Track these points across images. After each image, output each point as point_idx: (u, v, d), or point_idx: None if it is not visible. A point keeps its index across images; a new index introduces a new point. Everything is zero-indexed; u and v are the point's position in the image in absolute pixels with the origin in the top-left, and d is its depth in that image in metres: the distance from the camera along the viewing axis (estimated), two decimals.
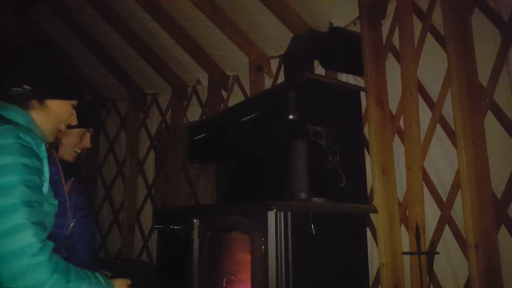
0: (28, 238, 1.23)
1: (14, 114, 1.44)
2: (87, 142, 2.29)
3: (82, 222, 2.26)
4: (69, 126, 2.18)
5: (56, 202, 1.51)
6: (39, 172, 1.38)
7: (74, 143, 2.21)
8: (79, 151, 2.26)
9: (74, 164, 2.26)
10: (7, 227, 1.23)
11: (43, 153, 1.42)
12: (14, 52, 1.62)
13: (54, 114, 1.55)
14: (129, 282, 1.78)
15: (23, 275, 1.22)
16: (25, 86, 1.48)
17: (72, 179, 2.24)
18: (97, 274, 1.46)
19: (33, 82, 1.50)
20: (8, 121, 1.38)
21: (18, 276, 1.21)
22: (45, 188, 1.43)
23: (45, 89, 1.54)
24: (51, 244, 1.31)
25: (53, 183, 2.00)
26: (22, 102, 1.48)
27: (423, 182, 2.50)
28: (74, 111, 1.65)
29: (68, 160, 2.20)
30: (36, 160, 1.36)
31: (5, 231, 1.23)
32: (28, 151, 1.34)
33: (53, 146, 1.91)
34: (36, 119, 1.49)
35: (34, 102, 1.50)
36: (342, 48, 2.80)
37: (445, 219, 2.41)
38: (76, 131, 2.19)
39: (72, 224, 2.13)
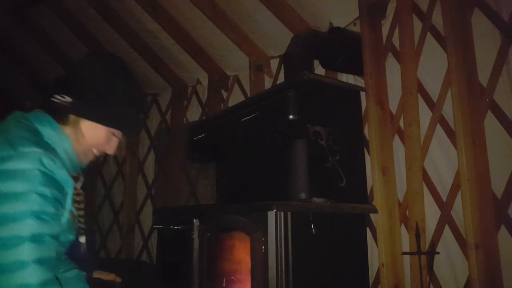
0: (26, 278, 1.12)
1: (51, 130, 1.32)
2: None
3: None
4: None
5: (73, 237, 1.37)
6: (58, 203, 1.24)
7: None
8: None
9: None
10: (7, 262, 1.12)
11: (69, 183, 1.28)
12: (80, 62, 1.47)
13: (87, 136, 1.40)
14: (119, 279, 1.80)
15: None
16: (67, 97, 1.35)
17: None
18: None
19: (75, 95, 1.36)
20: (39, 138, 1.26)
21: None
22: (64, 219, 1.30)
23: (84, 106, 1.37)
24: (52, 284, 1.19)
25: None
26: (60, 114, 1.36)
27: (423, 182, 2.50)
28: (114, 140, 1.47)
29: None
30: (57, 190, 1.22)
31: (5, 265, 1.12)
32: (48, 179, 1.20)
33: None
34: (68, 135, 1.36)
35: (71, 117, 1.37)
36: (342, 48, 2.80)
37: (445, 219, 2.41)
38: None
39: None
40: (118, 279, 1.81)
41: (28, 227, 1.13)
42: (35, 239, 1.14)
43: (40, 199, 1.16)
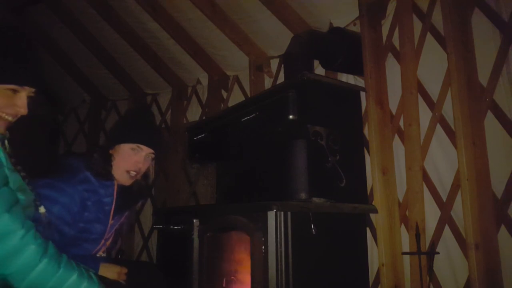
0: (6, 225, 1.21)
1: None
2: (138, 162, 1.92)
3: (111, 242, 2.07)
4: (117, 141, 1.94)
5: (32, 211, 1.41)
6: None
7: (123, 163, 1.91)
8: (133, 173, 1.94)
9: (133, 194, 2.01)
10: None
11: None
12: None
13: None
14: (125, 270, 1.79)
15: (10, 258, 1.20)
16: None
17: (126, 213, 2.06)
18: (91, 273, 1.43)
19: None
20: None
21: (5, 261, 1.20)
22: (8, 173, 1.35)
23: None
24: (30, 224, 1.28)
25: (102, 212, 1.89)
26: None
27: (423, 182, 2.50)
28: (17, 98, 1.36)
29: (124, 184, 1.95)
30: None
31: None
32: None
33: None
34: None
35: None
36: (342, 48, 2.80)
37: (445, 219, 2.41)
38: (125, 147, 1.93)
39: (100, 251, 1.99)
40: (124, 270, 1.80)
41: None
42: None
43: None
